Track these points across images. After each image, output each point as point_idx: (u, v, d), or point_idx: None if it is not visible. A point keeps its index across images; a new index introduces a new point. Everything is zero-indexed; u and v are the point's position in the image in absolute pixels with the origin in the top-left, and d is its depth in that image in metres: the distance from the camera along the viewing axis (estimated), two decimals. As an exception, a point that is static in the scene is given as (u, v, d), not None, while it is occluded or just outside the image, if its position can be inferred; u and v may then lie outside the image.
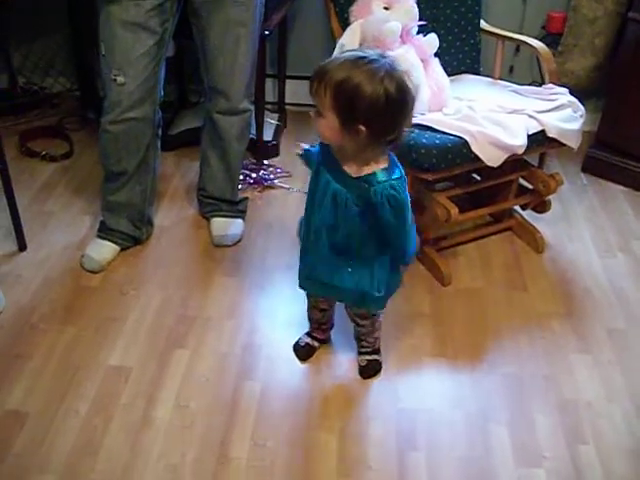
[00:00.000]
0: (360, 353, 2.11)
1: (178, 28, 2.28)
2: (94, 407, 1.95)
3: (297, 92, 3.41)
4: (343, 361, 2.14)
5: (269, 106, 3.37)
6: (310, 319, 2.14)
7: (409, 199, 1.69)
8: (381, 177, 1.64)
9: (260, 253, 2.58)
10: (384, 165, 1.66)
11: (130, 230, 2.51)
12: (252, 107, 2.50)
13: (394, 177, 1.65)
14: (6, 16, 3.22)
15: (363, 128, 1.54)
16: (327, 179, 1.71)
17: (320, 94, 1.55)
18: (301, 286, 1.98)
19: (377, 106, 1.51)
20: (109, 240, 2.49)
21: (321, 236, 1.79)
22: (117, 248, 2.51)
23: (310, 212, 1.81)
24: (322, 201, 1.73)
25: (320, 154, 1.76)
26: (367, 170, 1.65)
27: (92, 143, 3.10)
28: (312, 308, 2.10)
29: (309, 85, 1.59)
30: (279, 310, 2.33)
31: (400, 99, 1.54)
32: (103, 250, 2.47)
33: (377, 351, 2.12)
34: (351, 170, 1.67)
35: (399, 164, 1.70)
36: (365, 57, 1.54)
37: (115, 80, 2.17)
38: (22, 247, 2.52)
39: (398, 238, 1.72)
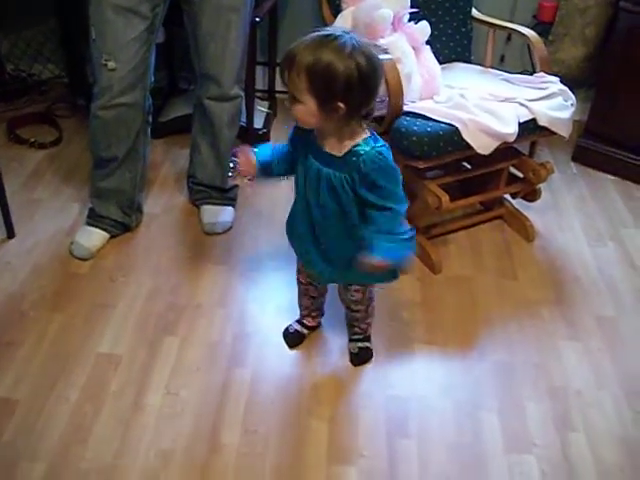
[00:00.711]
0: (351, 340, 2.12)
1: (168, 14, 2.27)
2: (84, 394, 1.95)
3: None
4: (334, 348, 2.15)
5: (259, 94, 3.36)
6: (300, 306, 2.14)
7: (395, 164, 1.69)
8: (365, 147, 1.63)
9: (251, 241, 2.57)
10: (365, 136, 1.65)
11: (119, 217, 2.50)
12: (243, 93, 2.48)
13: (378, 144, 1.65)
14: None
15: (342, 105, 1.54)
16: (316, 167, 1.70)
17: (293, 79, 1.54)
18: (301, 281, 2.02)
19: (352, 81, 1.52)
20: (98, 227, 2.48)
21: (328, 229, 1.77)
22: (106, 235, 2.49)
23: (304, 208, 1.79)
24: (318, 192, 1.72)
25: (299, 145, 1.74)
26: (350, 145, 1.64)
27: (81, 130, 3.08)
28: (302, 295, 2.10)
29: (280, 72, 1.59)
30: (269, 298, 2.33)
31: (371, 70, 1.54)
32: (92, 237, 2.46)
33: (368, 338, 2.12)
34: (334, 150, 1.66)
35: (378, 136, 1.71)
36: (329, 35, 1.54)
37: (106, 65, 2.16)
38: (10, 235, 2.51)
39: (395, 202, 1.67)
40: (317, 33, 1.57)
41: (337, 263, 1.83)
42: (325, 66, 1.50)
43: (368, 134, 1.66)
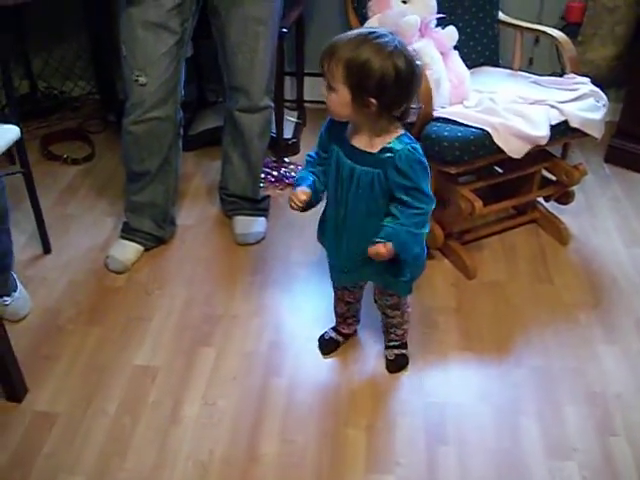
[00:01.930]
0: (388, 347, 2.11)
1: (196, 28, 2.29)
2: (122, 407, 1.96)
3: (316, 89, 3.39)
4: (370, 356, 2.14)
5: (288, 104, 3.37)
6: (336, 313, 2.13)
7: (427, 163, 1.71)
8: (399, 144, 1.66)
9: (284, 250, 2.58)
10: (398, 134, 1.68)
11: (154, 230, 2.52)
12: (273, 104, 2.50)
13: (412, 142, 1.69)
14: (25, 22, 3.25)
15: (374, 101, 1.58)
16: (349, 165, 1.73)
17: (331, 68, 1.59)
18: (336, 286, 2.02)
19: (386, 79, 1.55)
20: (133, 240, 2.50)
21: (354, 227, 1.79)
22: (141, 248, 2.52)
23: (334, 205, 1.81)
24: (349, 188, 1.75)
25: (332, 140, 1.77)
26: (383, 141, 1.68)
27: (113, 145, 3.12)
28: (338, 301, 2.10)
29: (320, 62, 1.62)
30: (304, 307, 2.33)
31: (408, 73, 1.58)
32: (127, 251, 2.48)
33: (404, 345, 2.11)
34: (366, 147, 1.69)
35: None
36: (374, 32, 1.59)
37: (137, 81, 2.18)
38: (47, 250, 2.54)
39: (424, 202, 1.70)
40: (362, 30, 1.63)
41: (359, 260, 1.84)
42: (363, 61, 1.54)
43: (401, 132, 1.69)
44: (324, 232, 1.93)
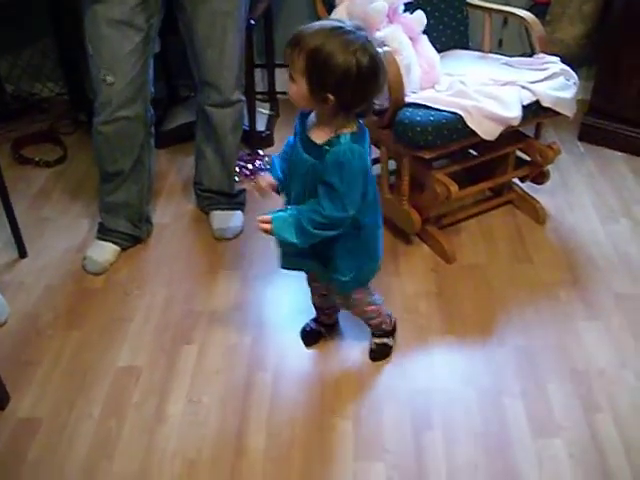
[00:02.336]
0: (372, 335, 2.11)
1: (162, 24, 2.26)
2: (106, 409, 1.95)
3: (287, 81, 3.38)
4: (353, 345, 2.14)
5: (260, 96, 3.35)
6: (314, 304, 2.13)
7: (364, 171, 1.66)
8: (339, 141, 1.61)
9: (262, 244, 2.56)
10: (351, 130, 1.63)
11: (130, 230, 2.50)
12: (244, 98, 2.48)
13: (354, 144, 1.61)
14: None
15: (331, 97, 1.54)
16: (298, 151, 1.70)
17: (293, 58, 1.55)
18: (282, 266, 1.93)
19: (347, 77, 1.51)
20: (109, 241, 2.48)
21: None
22: (118, 249, 2.50)
23: (288, 186, 1.80)
24: (294, 172, 1.74)
25: (298, 125, 1.74)
26: (330, 136, 1.63)
27: (85, 146, 3.08)
28: (313, 294, 2.09)
29: (284, 50, 1.59)
30: (284, 299, 2.33)
31: (371, 72, 1.54)
32: (104, 251, 2.46)
33: (386, 334, 2.10)
34: (317, 138, 1.65)
35: (367, 137, 1.69)
36: (342, 27, 1.54)
37: (105, 80, 2.16)
38: (22, 254, 2.51)
39: (332, 205, 1.63)
40: (332, 22, 1.59)
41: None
42: (325, 54, 1.50)
43: (352, 131, 1.63)
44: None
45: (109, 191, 2.42)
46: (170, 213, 2.74)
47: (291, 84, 1.60)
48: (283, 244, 1.78)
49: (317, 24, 1.57)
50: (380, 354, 2.10)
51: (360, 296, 1.95)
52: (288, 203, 1.78)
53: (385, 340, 2.10)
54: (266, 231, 1.69)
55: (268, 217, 1.68)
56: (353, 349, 2.13)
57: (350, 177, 1.62)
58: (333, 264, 1.81)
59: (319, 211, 1.64)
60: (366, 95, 1.58)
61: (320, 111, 1.63)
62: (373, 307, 2.00)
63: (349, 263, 1.81)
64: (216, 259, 2.51)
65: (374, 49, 1.55)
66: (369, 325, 2.07)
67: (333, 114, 1.60)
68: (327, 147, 1.62)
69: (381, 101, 1.71)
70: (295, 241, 1.68)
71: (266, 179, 1.80)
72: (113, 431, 1.89)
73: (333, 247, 1.77)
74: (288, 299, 2.32)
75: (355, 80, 1.52)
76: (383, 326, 2.08)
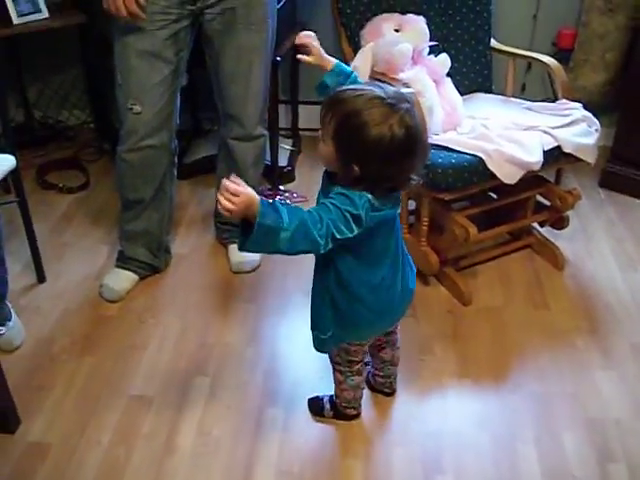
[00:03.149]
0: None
1: (190, 57, 2.30)
2: (116, 437, 1.94)
3: (310, 117, 3.41)
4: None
5: (283, 132, 3.39)
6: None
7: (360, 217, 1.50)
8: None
9: (279, 278, 2.57)
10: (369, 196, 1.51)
11: (148, 259, 2.51)
12: (266, 133, 2.51)
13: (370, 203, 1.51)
14: (20, 52, 3.27)
15: (356, 168, 1.47)
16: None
17: (325, 121, 1.49)
18: None
19: (377, 152, 1.44)
20: (128, 269, 2.50)
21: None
22: (136, 277, 2.51)
23: None
24: None
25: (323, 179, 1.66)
26: None
27: (108, 174, 3.12)
28: None
29: (320, 108, 1.52)
30: (300, 335, 2.30)
31: (405, 150, 1.46)
32: (122, 279, 2.48)
33: (334, 407, 2.00)
34: None
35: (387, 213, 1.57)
36: (382, 98, 1.45)
37: (131, 109, 2.19)
38: (41, 279, 2.53)
39: (319, 215, 1.47)
40: (374, 90, 1.48)
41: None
42: (358, 124, 1.43)
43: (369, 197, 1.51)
44: None
45: (129, 219, 2.45)
46: (189, 244, 2.76)
47: (320, 144, 1.53)
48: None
49: (358, 88, 1.49)
50: (314, 405, 2.03)
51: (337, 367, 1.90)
52: None
53: (327, 405, 2.01)
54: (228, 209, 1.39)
55: (244, 190, 1.37)
56: (366, 389, 2.11)
57: (342, 201, 1.49)
58: (317, 315, 1.76)
59: (310, 218, 1.45)
60: (396, 172, 1.50)
61: (344, 178, 1.52)
62: (342, 380, 1.92)
63: (329, 315, 1.72)
64: (232, 292, 2.51)
65: (414, 122, 1.46)
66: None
67: (356, 184, 1.50)
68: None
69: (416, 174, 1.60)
70: (281, 244, 1.43)
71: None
72: (121, 459, 1.88)
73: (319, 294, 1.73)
74: (303, 335, 2.29)
75: (385, 156, 1.45)
76: (336, 400, 1.98)
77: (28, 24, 2.92)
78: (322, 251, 1.49)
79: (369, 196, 1.50)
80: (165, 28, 2.11)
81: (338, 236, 1.48)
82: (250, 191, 1.38)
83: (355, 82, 1.69)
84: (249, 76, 2.29)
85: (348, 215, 1.48)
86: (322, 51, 1.73)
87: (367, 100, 1.45)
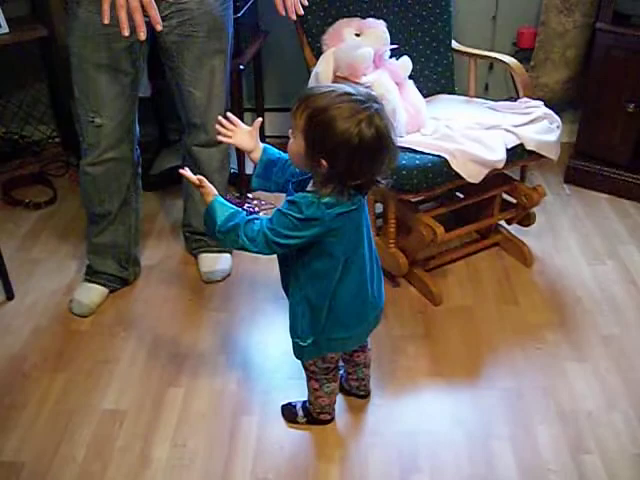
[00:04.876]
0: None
1: (155, 68, 2.29)
2: (90, 453, 1.93)
3: (276, 124, 3.43)
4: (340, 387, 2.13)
5: (249, 139, 3.38)
6: None
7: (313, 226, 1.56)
8: (319, 195, 1.55)
9: (249, 286, 2.57)
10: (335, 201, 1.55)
11: (117, 271, 2.50)
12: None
13: (330, 209, 1.54)
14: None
15: (324, 162, 1.49)
16: None
17: (296, 115, 1.52)
18: None
19: (345, 146, 1.46)
20: (97, 283, 2.48)
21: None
22: (105, 290, 2.49)
23: None
24: None
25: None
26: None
27: (75, 188, 3.09)
28: None
29: (292, 104, 1.55)
30: (272, 342, 2.32)
31: (374, 147, 1.49)
32: (91, 293, 2.46)
33: (308, 414, 2.00)
34: None
35: (353, 217, 1.61)
36: (352, 94, 1.48)
37: (92, 122, 2.18)
38: (10, 296, 2.51)
39: (265, 227, 1.59)
40: (346, 87, 1.52)
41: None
42: (328, 118, 1.46)
43: (334, 201, 1.55)
44: None
45: (96, 232, 2.43)
46: (159, 255, 2.74)
47: (290, 140, 1.57)
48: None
49: (330, 86, 1.54)
50: (287, 412, 2.03)
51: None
52: None
53: (301, 412, 2.01)
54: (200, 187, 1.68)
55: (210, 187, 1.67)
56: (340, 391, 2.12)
57: (288, 210, 1.56)
58: (295, 322, 1.76)
59: (250, 228, 1.61)
60: (365, 169, 1.52)
61: (314, 176, 1.57)
62: (316, 388, 1.93)
63: (306, 322, 1.74)
64: (203, 302, 2.50)
65: (383, 122, 1.49)
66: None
67: (325, 181, 1.53)
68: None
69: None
70: (218, 222, 1.63)
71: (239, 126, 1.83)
72: (97, 475, 1.86)
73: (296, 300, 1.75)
74: (275, 343, 2.31)
75: (353, 152, 1.47)
76: (310, 407, 1.99)
77: (-12, 39, 2.90)
78: (266, 254, 1.64)
79: (317, 198, 1.54)
80: (120, 40, 2.09)
81: (283, 241, 1.58)
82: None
83: (286, 165, 1.75)
84: (211, 82, 2.29)
85: (294, 220, 1.55)
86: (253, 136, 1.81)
87: (337, 95, 1.49)
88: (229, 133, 1.81)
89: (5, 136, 3.49)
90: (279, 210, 1.58)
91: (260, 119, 1.85)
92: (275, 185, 1.80)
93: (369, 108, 1.48)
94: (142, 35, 1.80)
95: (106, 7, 1.78)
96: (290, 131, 1.57)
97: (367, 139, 1.47)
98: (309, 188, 1.61)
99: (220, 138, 1.82)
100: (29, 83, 3.42)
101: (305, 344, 1.76)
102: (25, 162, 3.37)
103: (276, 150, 1.82)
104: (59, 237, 2.87)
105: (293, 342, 1.80)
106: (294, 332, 1.78)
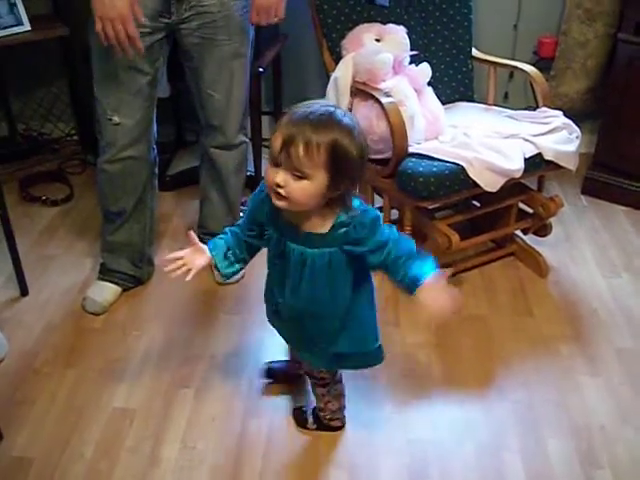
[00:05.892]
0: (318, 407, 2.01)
1: (173, 69, 2.30)
2: (99, 450, 1.93)
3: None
4: (350, 393, 2.10)
5: (266, 143, 3.37)
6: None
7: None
8: (344, 214, 1.55)
9: (262, 289, 2.55)
10: (340, 207, 1.57)
11: (131, 270, 2.51)
12: (248, 140, 2.51)
13: (353, 207, 1.57)
14: (4, 64, 3.26)
15: (346, 185, 1.52)
16: (299, 251, 1.60)
17: (312, 155, 1.43)
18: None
19: (360, 162, 1.51)
20: (110, 281, 2.49)
21: (326, 310, 1.70)
22: (119, 289, 2.50)
23: (292, 295, 1.69)
24: (302, 276, 1.63)
25: (270, 224, 1.65)
26: (332, 219, 1.56)
27: (92, 186, 3.10)
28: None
29: (281, 146, 1.44)
30: (284, 345, 2.30)
31: (366, 149, 1.55)
32: (104, 292, 2.47)
33: (319, 419, 2.00)
34: (317, 229, 1.57)
35: None
36: (330, 114, 1.47)
37: (110, 120, 2.19)
38: (24, 292, 2.52)
39: (390, 240, 1.60)
40: (314, 111, 1.47)
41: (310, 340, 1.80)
42: (345, 144, 1.45)
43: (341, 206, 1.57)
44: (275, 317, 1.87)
45: (111, 230, 2.44)
46: (173, 255, 2.74)
47: (298, 183, 1.46)
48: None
49: (304, 113, 1.46)
50: (298, 417, 2.03)
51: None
52: (293, 309, 1.73)
53: (310, 418, 2.01)
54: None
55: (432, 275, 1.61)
56: (350, 397, 2.10)
57: (377, 222, 1.59)
58: (365, 335, 1.77)
59: (397, 241, 1.61)
60: (363, 170, 1.57)
61: (321, 202, 1.53)
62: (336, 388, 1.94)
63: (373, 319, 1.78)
64: (216, 303, 2.50)
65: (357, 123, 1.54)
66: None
67: (336, 200, 1.54)
68: (343, 229, 1.55)
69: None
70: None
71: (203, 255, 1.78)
72: (104, 473, 1.86)
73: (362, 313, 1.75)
74: (285, 345, 2.30)
75: (362, 163, 1.53)
76: (321, 413, 1.98)
77: (10, 37, 2.92)
78: None
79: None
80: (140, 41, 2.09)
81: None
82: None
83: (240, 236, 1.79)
84: (231, 85, 2.29)
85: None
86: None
87: (328, 119, 1.46)
88: (184, 268, 1.73)
89: (25, 133, 3.51)
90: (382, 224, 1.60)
91: (191, 232, 1.79)
92: (244, 259, 1.83)
93: (349, 120, 1.50)
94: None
95: (100, 33, 1.95)
96: (289, 175, 1.46)
97: (364, 145, 1.53)
98: (342, 215, 1.56)
99: (176, 276, 1.74)
100: (50, 81, 3.44)
101: (378, 342, 1.79)
102: (43, 159, 3.39)
103: (218, 240, 1.82)
104: (75, 234, 2.88)
105: (372, 351, 1.78)
106: (373, 337, 1.78)
